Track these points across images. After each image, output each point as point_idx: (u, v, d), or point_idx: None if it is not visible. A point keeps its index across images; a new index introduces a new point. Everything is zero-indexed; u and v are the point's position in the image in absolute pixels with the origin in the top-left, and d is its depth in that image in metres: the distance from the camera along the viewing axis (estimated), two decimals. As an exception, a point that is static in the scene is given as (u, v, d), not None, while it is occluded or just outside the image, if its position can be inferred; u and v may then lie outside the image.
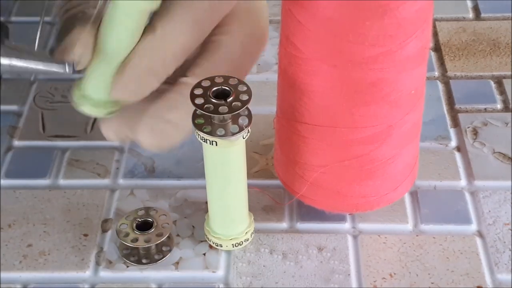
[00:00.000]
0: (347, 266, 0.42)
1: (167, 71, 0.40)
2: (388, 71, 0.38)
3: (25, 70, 0.40)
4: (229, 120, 0.38)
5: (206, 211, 0.43)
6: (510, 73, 0.54)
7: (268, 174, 0.48)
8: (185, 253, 0.43)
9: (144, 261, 0.43)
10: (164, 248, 0.43)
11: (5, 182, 0.48)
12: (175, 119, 0.41)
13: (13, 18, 0.61)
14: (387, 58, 0.37)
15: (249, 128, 0.38)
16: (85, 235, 0.44)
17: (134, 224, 0.43)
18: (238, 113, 0.37)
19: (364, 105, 0.39)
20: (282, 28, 0.40)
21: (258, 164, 0.48)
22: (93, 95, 0.41)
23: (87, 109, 0.42)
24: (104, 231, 0.45)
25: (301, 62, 0.39)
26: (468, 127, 0.50)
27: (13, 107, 0.53)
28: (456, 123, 0.51)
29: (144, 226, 0.43)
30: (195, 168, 0.48)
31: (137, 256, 0.43)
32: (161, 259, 0.43)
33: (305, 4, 0.37)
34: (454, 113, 0.52)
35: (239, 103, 0.37)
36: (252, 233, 0.43)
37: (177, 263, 0.43)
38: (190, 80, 0.41)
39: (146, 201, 0.46)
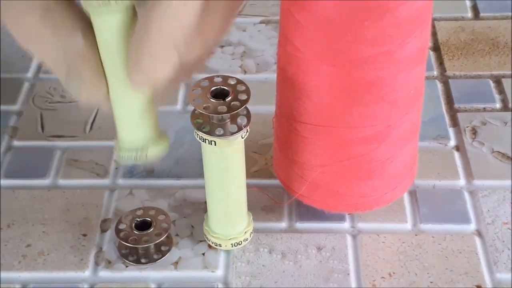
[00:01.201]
0: (346, 266, 0.42)
1: (186, 41, 0.35)
2: (387, 71, 0.38)
3: None
4: (228, 120, 0.38)
5: (205, 211, 0.43)
6: (509, 72, 0.54)
7: (267, 174, 0.48)
8: (184, 253, 0.43)
9: (143, 260, 0.43)
10: (163, 248, 0.43)
11: (4, 182, 0.48)
12: None
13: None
14: (386, 58, 0.37)
15: (248, 128, 0.38)
16: (84, 235, 0.44)
17: (133, 224, 0.43)
18: (237, 112, 0.37)
19: (363, 105, 0.39)
20: (281, 28, 0.40)
21: (257, 164, 0.48)
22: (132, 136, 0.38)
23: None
24: (103, 231, 0.45)
25: (300, 61, 0.39)
26: (467, 127, 0.50)
27: (12, 107, 0.53)
28: (455, 123, 0.51)
29: (143, 225, 0.43)
30: (194, 168, 0.48)
31: (136, 256, 0.43)
32: (160, 258, 0.43)
33: (305, 4, 0.37)
34: (453, 112, 0.52)
35: (237, 103, 0.37)
36: (251, 232, 0.43)
37: (176, 263, 0.43)
38: None
39: (145, 201, 0.46)
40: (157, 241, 0.42)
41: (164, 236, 0.42)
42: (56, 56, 0.35)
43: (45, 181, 0.48)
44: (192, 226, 0.45)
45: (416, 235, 0.44)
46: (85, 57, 0.35)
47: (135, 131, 0.37)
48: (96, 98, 0.35)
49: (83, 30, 0.35)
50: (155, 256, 0.43)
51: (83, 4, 0.34)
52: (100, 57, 0.35)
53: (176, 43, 0.34)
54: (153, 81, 0.35)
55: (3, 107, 0.53)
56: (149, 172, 0.48)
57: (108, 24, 0.34)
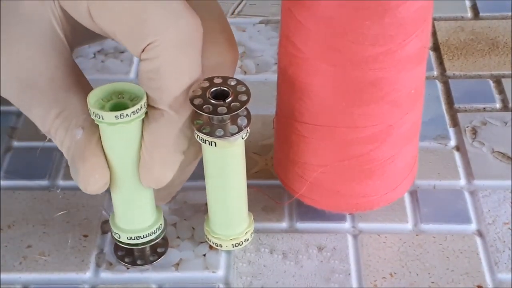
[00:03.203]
0: (347, 266, 0.42)
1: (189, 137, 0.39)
2: (388, 70, 0.38)
3: None
4: (228, 121, 0.38)
5: (206, 212, 0.43)
6: (508, 72, 0.54)
7: (267, 174, 0.48)
8: (185, 254, 0.43)
9: (139, 262, 0.43)
10: (159, 250, 0.43)
11: (4, 183, 0.48)
12: None
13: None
14: (387, 58, 0.37)
15: (248, 129, 0.38)
16: (85, 236, 0.44)
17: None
18: (237, 113, 0.37)
19: (364, 105, 0.39)
20: (282, 28, 0.40)
21: (257, 165, 0.48)
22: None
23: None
24: (104, 232, 0.45)
25: (301, 61, 0.39)
26: (467, 127, 0.50)
27: (12, 108, 0.53)
28: (455, 123, 0.51)
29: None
30: (194, 170, 0.48)
31: (131, 258, 0.43)
32: (156, 260, 0.43)
33: (306, 4, 0.37)
34: (453, 112, 0.52)
35: (238, 104, 0.37)
36: (252, 233, 0.43)
37: (177, 264, 0.43)
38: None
39: (146, 202, 0.46)
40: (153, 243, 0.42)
41: (160, 238, 0.42)
42: (65, 150, 0.39)
43: (45, 182, 0.48)
44: (193, 228, 0.45)
45: (417, 235, 0.44)
46: (83, 154, 0.38)
47: (135, 223, 0.41)
48: (92, 190, 0.39)
49: (85, 125, 0.38)
50: (151, 258, 0.43)
51: (96, 120, 0.37)
52: (101, 152, 0.38)
53: (181, 147, 0.39)
54: (163, 182, 0.39)
55: (3, 108, 0.53)
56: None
57: (120, 133, 0.37)
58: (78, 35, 0.41)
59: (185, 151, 0.39)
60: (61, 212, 0.45)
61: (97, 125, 0.38)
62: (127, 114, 0.36)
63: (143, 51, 0.37)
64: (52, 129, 0.39)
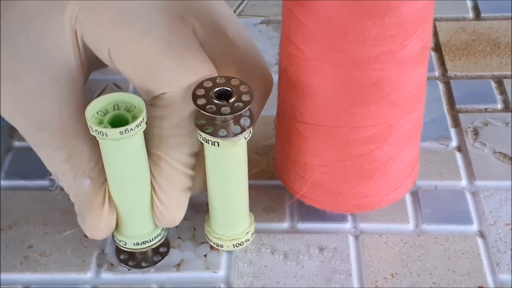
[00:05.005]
0: (349, 266, 0.42)
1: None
2: (389, 70, 0.38)
3: None
4: (231, 121, 0.38)
5: (207, 212, 0.43)
6: (510, 73, 0.54)
7: (268, 175, 0.48)
8: (186, 255, 0.43)
9: (143, 264, 0.43)
10: (161, 250, 0.43)
11: (5, 183, 0.48)
12: None
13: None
14: (388, 58, 0.37)
15: (251, 129, 0.38)
16: (86, 236, 0.44)
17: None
18: (240, 113, 0.37)
19: (365, 105, 0.39)
20: (283, 28, 0.40)
21: (258, 165, 0.48)
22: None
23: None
24: (105, 232, 0.45)
25: (302, 62, 0.39)
26: (469, 127, 0.50)
27: (13, 108, 0.53)
28: (456, 123, 0.51)
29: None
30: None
31: (135, 261, 0.43)
32: (159, 261, 0.43)
33: (306, 4, 0.37)
34: (454, 113, 0.52)
35: (241, 104, 0.37)
36: (253, 233, 0.43)
37: (179, 265, 0.43)
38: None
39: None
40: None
41: (162, 239, 0.42)
42: (72, 196, 0.40)
43: (46, 182, 0.48)
44: (194, 228, 0.45)
45: (418, 235, 0.44)
46: (90, 204, 0.39)
47: (140, 229, 0.41)
48: (98, 238, 0.40)
49: (92, 175, 0.39)
50: (155, 259, 0.43)
51: (99, 137, 0.37)
52: (107, 201, 0.39)
53: (187, 185, 0.40)
54: (178, 221, 0.41)
55: (4, 108, 0.53)
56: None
57: (124, 147, 0.37)
58: (89, 71, 0.43)
59: (191, 188, 0.41)
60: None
61: (104, 175, 0.38)
62: (131, 129, 0.36)
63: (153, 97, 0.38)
64: (59, 172, 0.40)
